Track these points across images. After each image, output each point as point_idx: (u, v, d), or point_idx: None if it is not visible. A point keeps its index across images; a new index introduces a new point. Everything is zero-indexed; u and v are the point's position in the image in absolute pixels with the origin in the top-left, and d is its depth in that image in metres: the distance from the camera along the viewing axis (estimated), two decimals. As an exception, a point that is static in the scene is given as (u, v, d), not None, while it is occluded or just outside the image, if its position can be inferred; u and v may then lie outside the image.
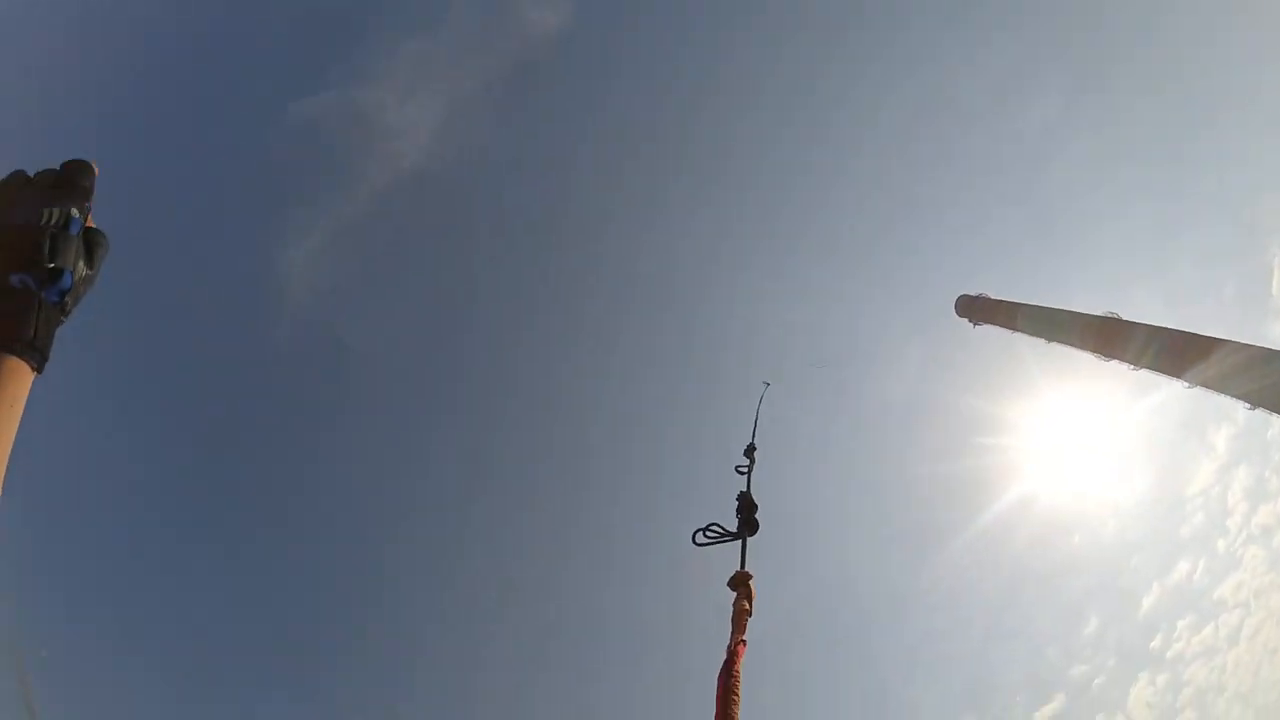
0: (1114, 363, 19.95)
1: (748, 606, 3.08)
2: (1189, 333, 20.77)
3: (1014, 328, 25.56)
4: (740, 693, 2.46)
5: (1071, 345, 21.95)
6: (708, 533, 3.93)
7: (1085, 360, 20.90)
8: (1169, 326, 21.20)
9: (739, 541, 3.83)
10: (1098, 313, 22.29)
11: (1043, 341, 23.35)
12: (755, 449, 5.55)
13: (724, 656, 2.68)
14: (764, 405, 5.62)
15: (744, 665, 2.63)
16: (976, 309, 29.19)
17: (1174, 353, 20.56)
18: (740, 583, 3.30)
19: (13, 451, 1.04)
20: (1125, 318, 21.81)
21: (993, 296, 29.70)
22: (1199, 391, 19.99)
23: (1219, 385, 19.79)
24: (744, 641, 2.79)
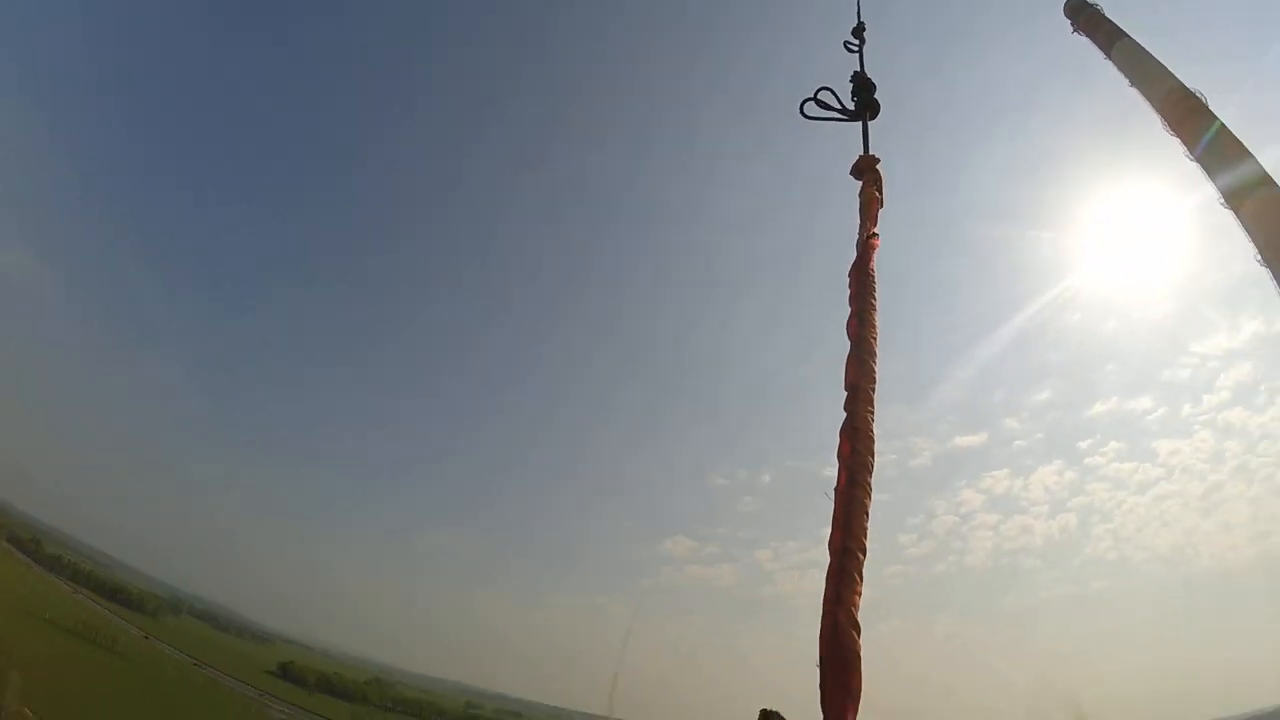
0: (1176, 142, 17.99)
1: (878, 195, 2.29)
2: (1241, 143, 18.77)
3: (1107, 53, 21.88)
4: (878, 294, 1.76)
5: (1149, 102, 19.32)
6: (818, 101, 2.86)
7: (1156, 131, 18.66)
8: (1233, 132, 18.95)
9: (859, 125, 2.85)
10: (1189, 86, 19.26)
11: (1125, 83, 20.34)
12: (864, 28, 4.43)
13: (854, 253, 1.96)
14: None
15: (878, 263, 1.90)
16: (1084, 16, 24.46)
17: (1226, 157, 18.82)
18: (867, 168, 2.44)
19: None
20: (1209, 105, 19.07)
21: (1106, 15, 24.98)
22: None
23: (1234, 203, 18.90)
24: (876, 235, 2.05)
